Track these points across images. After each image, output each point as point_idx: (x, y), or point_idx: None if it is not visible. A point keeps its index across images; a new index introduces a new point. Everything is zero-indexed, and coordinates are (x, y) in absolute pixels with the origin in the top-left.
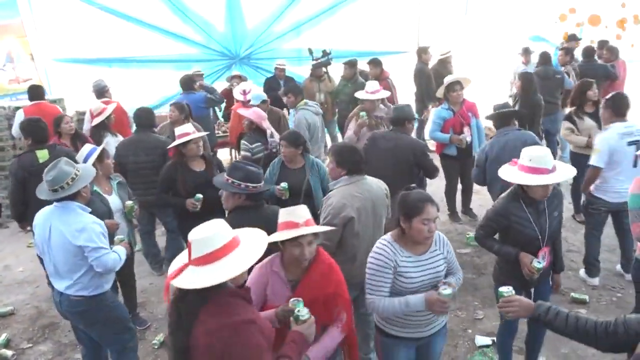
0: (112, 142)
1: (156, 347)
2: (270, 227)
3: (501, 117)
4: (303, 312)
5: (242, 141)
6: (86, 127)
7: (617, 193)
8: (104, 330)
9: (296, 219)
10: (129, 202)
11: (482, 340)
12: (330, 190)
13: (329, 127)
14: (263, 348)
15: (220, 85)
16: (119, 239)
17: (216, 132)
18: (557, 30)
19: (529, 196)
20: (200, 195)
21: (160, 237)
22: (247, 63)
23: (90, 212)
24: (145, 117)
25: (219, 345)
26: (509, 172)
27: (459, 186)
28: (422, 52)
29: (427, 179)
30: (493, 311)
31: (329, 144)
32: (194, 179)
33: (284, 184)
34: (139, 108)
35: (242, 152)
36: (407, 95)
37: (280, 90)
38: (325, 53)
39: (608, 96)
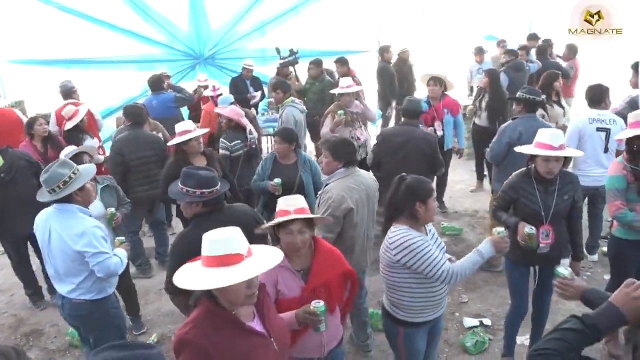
0: (91, 145)
1: None
2: (239, 227)
3: (531, 104)
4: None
5: (222, 139)
6: (53, 130)
7: (590, 178)
8: (104, 336)
9: (288, 208)
10: (111, 210)
11: (470, 322)
12: (327, 185)
13: None
14: None
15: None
16: (120, 241)
17: None
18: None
19: (540, 174)
20: None
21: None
22: (212, 63)
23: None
24: (139, 113)
25: (176, 347)
26: (522, 148)
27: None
28: (385, 51)
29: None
30: (476, 294)
31: None
32: None
33: (277, 180)
34: (131, 105)
35: (221, 151)
36: (370, 93)
37: (246, 90)
38: (292, 52)
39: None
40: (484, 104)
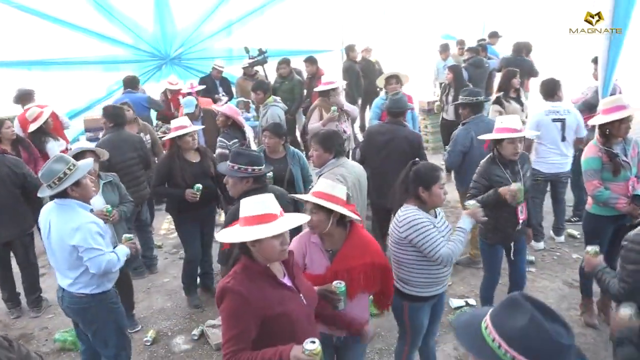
0: (55, 147)
1: (149, 343)
2: (280, 203)
3: (475, 105)
4: (313, 347)
5: (219, 138)
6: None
7: (550, 165)
8: (102, 331)
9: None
10: (106, 207)
11: (456, 302)
12: (320, 176)
13: None
14: (234, 313)
15: (151, 87)
16: (127, 238)
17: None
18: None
19: (504, 158)
20: (199, 186)
21: None
22: (178, 63)
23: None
24: (118, 114)
25: (219, 294)
26: (487, 135)
27: None
28: (350, 50)
29: None
30: (459, 277)
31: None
32: (191, 170)
33: (269, 174)
34: (111, 106)
35: (219, 150)
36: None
37: (215, 90)
38: (261, 52)
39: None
40: (449, 99)
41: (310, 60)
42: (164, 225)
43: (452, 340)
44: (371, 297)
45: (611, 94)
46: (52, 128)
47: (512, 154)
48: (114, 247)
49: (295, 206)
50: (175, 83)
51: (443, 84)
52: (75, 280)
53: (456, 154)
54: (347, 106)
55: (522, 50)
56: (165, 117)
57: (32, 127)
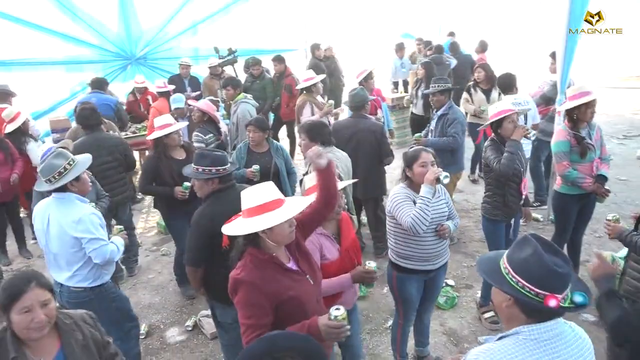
0: (35, 148)
1: (143, 337)
2: None
3: (446, 91)
4: (339, 313)
5: (195, 133)
6: None
7: None
8: (104, 320)
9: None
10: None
11: None
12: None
13: None
14: (250, 302)
15: (117, 87)
16: (118, 229)
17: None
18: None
19: (506, 138)
20: (188, 184)
21: None
22: (144, 63)
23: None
24: (86, 115)
25: (232, 287)
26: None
27: None
28: (315, 49)
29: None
30: None
31: None
32: (178, 167)
33: (256, 167)
34: (80, 107)
35: (196, 144)
36: None
37: (184, 88)
38: (231, 51)
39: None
40: (419, 93)
41: (279, 59)
42: (140, 224)
43: (439, 317)
44: None
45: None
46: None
47: (512, 132)
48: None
49: None
50: (142, 82)
51: (415, 79)
52: (74, 273)
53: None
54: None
55: (458, 47)
56: (135, 116)
57: (9, 128)
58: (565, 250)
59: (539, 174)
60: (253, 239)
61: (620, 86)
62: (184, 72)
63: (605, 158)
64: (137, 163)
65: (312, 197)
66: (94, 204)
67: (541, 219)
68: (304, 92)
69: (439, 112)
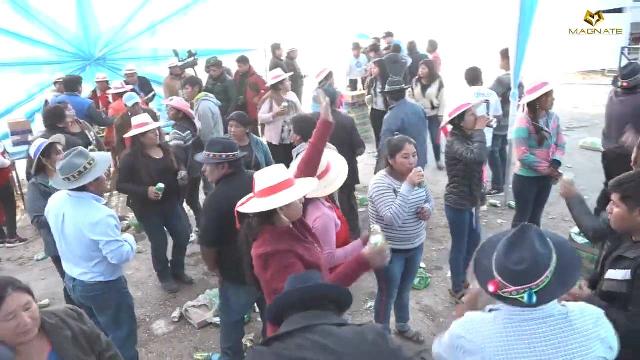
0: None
1: None
2: None
3: (398, 92)
4: (378, 240)
5: (174, 130)
6: None
7: None
8: (115, 314)
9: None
10: None
11: None
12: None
13: None
14: (284, 267)
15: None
16: (127, 224)
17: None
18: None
19: (465, 132)
20: (162, 185)
21: None
22: (103, 64)
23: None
24: (45, 117)
25: (262, 263)
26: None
27: None
28: (276, 49)
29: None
30: None
31: None
32: (155, 166)
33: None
34: (46, 109)
35: (174, 142)
36: None
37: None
38: (191, 54)
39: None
40: (377, 90)
41: (243, 60)
42: None
43: (415, 296)
44: None
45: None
46: None
47: (473, 124)
48: None
49: None
50: (102, 78)
51: (371, 78)
52: (90, 269)
53: (387, 136)
54: (294, 97)
55: (414, 47)
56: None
57: None
58: None
59: (497, 163)
60: (269, 217)
61: (562, 82)
62: (131, 80)
63: (561, 145)
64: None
65: (316, 180)
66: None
67: (499, 205)
68: (271, 89)
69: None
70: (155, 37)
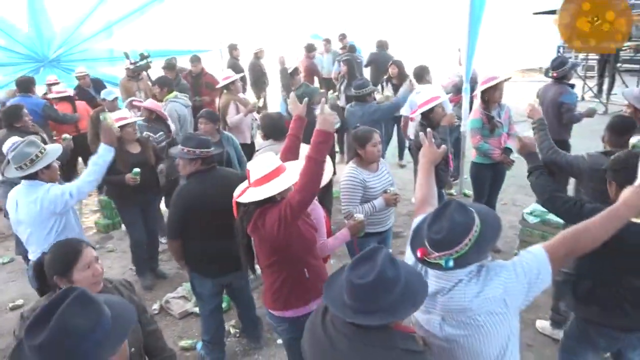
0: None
1: None
2: (227, 184)
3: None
4: (359, 217)
5: (146, 132)
6: None
7: None
8: None
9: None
10: None
11: None
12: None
13: None
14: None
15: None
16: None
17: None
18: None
19: (435, 122)
20: (137, 170)
21: None
22: (58, 65)
23: None
24: (12, 115)
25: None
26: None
27: None
28: (233, 49)
29: None
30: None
31: None
32: (132, 160)
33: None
34: (9, 106)
35: None
36: None
37: (90, 95)
38: (143, 56)
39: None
40: (343, 88)
41: (197, 59)
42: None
43: None
44: None
45: (472, 77)
46: None
47: (441, 116)
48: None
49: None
50: (54, 80)
51: (340, 76)
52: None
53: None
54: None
55: (384, 46)
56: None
57: None
58: None
59: (456, 155)
60: (267, 202)
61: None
62: (84, 82)
63: (512, 134)
64: None
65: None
66: None
67: (455, 193)
68: (225, 91)
69: None
70: (112, 38)
